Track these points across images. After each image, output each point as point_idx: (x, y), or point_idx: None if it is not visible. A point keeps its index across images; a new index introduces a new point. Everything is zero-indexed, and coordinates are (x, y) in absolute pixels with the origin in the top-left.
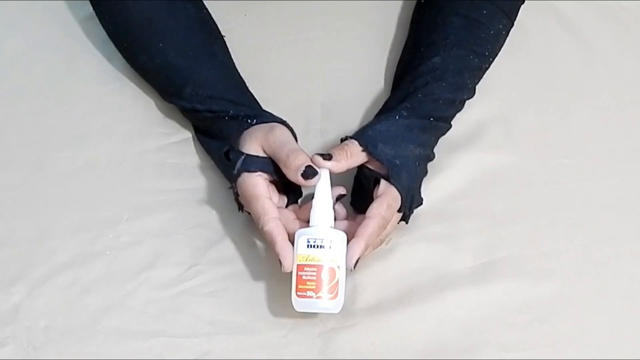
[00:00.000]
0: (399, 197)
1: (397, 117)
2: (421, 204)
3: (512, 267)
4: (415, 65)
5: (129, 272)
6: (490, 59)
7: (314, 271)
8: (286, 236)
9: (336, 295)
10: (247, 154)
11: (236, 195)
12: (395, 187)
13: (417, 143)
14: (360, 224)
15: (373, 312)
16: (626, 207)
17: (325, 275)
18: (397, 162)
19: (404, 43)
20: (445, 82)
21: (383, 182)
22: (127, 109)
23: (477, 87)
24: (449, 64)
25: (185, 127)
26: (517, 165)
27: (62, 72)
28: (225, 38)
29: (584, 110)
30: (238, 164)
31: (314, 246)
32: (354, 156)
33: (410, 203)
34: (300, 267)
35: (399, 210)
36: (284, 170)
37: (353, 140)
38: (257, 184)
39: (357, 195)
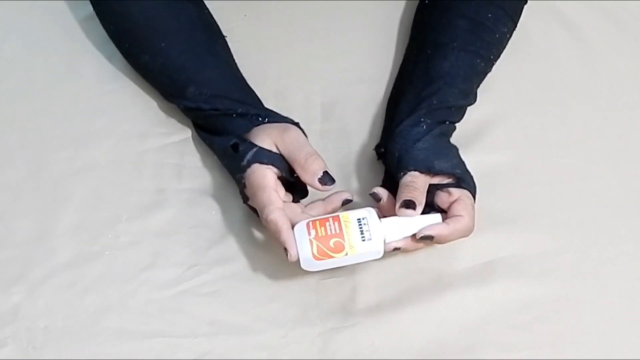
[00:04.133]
0: (472, 197)
1: (424, 127)
2: None
3: (512, 267)
4: (423, 67)
5: (129, 272)
6: (494, 63)
7: (334, 232)
8: (290, 227)
9: (318, 259)
10: (259, 147)
11: (242, 187)
12: (468, 189)
13: (451, 147)
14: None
15: (373, 312)
16: (626, 207)
17: (333, 243)
18: (458, 171)
19: (404, 43)
20: (457, 89)
21: (454, 189)
22: (127, 109)
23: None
24: (459, 69)
25: (185, 127)
26: (517, 165)
27: (62, 72)
28: (226, 38)
29: (584, 110)
30: (249, 155)
31: (360, 224)
32: (425, 186)
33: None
34: (335, 218)
35: None
36: (300, 172)
37: (415, 173)
38: (266, 175)
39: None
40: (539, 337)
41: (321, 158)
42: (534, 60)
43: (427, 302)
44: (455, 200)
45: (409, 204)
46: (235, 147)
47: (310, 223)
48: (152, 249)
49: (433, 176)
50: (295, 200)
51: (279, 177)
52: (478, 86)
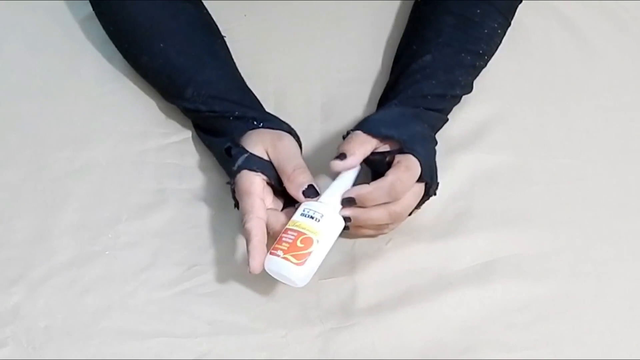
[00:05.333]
0: (417, 163)
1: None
2: (438, 184)
3: (512, 267)
4: (406, 63)
5: (129, 272)
6: (486, 57)
7: (294, 236)
8: (264, 239)
9: (303, 264)
10: (250, 153)
11: (233, 192)
12: (411, 153)
13: (416, 123)
14: None
15: (373, 312)
16: (626, 207)
17: (300, 242)
18: (406, 137)
19: None
20: (435, 80)
21: (397, 155)
22: (127, 109)
23: (477, 87)
24: (440, 62)
25: (185, 127)
26: (517, 165)
27: (62, 72)
28: (225, 38)
29: (584, 110)
30: (239, 161)
31: (306, 215)
32: (365, 143)
33: (430, 173)
34: (285, 230)
35: (420, 180)
36: (286, 183)
37: (357, 131)
38: (254, 182)
39: None
40: (539, 337)
41: (308, 172)
42: (534, 60)
43: (427, 302)
44: (395, 164)
45: (339, 155)
46: (228, 151)
47: (271, 251)
48: (152, 249)
49: (381, 142)
50: (287, 206)
51: (268, 184)
52: (470, 79)
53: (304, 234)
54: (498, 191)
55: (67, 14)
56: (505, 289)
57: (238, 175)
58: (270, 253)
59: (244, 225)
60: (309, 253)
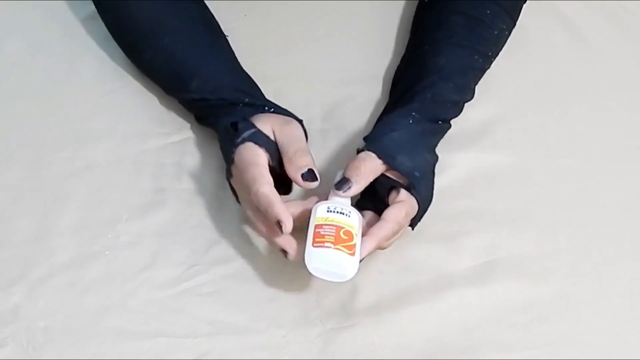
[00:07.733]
0: (417, 207)
1: (410, 121)
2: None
3: (512, 267)
4: (420, 63)
5: (129, 272)
6: (492, 60)
7: (333, 229)
8: (282, 201)
9: (354, 254)
10: (258, 129)
11: (231, 162)
12: (416, 198)
13: (429, 149)
14: (371, 223)
15: (373, 312)
16: (626, 207)
17: (343, 234)
18: (417, 175)
19: (404, 43)
20: (452, 83)
21: (403, 191)
22: (127, 109)
23: (478, 87)
24: (455, 63)
25: (185, 127)
26: (517, 165)
27: (62, 72)
28: (227, 38)
29: (584, 110)
30: (245, 134)
31: (333, 211)
32: (373, 171)
33: (423, 214)
34: (318, 226)
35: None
36: (286, 164)
37: (370, 154)
38: (259, 154)
39: (365, 194)
40: (539, 337)
41: (310, 156)
42: (534, 60)
43: (427, 301)
44: (397, 203)
45: (342, 180)
46: (234, 125)
47: (315, 244)
48: (152, 249)
49: (391, 169)
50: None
51: (269, 166)
52: (476, 83)
53: (343, 227)
54: (498, 191)
55: (67, 13)
56: (505, 289)
57: (242, 146)
58: (316, 246)
59: (257, 192)
60: (355, 244)
